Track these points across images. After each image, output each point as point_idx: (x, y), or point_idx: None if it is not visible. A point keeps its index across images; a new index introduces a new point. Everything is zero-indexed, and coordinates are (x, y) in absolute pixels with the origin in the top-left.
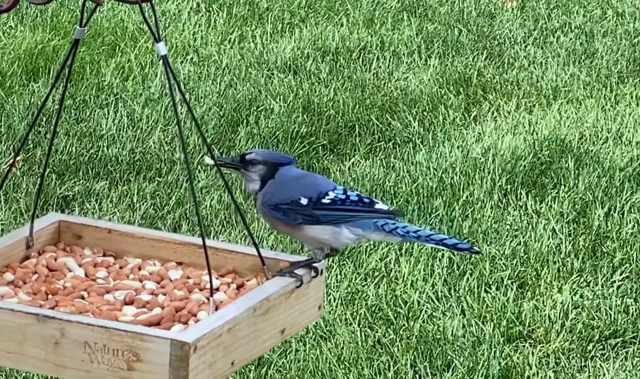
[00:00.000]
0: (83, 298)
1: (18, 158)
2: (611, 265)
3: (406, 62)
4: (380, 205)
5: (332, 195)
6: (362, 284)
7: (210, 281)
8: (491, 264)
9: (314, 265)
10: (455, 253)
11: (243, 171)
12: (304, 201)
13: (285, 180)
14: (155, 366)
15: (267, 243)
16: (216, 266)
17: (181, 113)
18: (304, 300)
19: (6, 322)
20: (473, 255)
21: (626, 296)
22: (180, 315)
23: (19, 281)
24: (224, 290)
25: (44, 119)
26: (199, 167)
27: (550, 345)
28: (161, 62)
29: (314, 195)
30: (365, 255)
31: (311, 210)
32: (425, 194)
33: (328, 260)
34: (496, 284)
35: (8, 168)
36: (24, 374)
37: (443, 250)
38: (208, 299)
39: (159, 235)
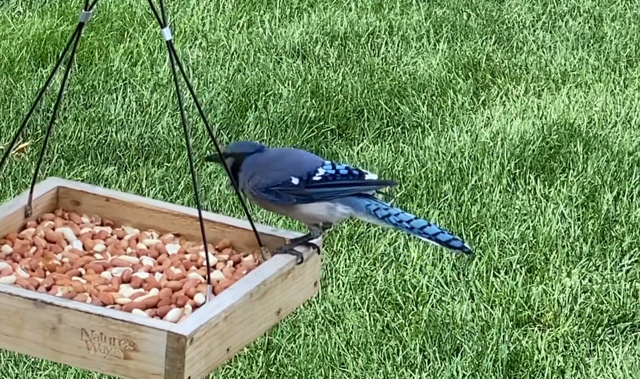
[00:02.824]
0: (80, 275)
1: (27, 144)
2: (620, 249)
3: (415, 47)
4: (370, 176)
5: (322, 171)
6: (371, 269)
7: (208, 270)
8: (500, 248)
9: (312, 241)
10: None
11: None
12: (295, 181)
13: (265, 160)
14: (151, 357)
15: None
16: (213, 239)
17: (189, 98)
18: (300, 279)
19: (4, 305)
20: (465, 254)
21: (635, 280)
22: (177, 297)
23: (16, 255)
24: (220, 268)
25: (53, 104)
26: (208, 152)
27: (559, 329)
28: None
29: (304, 173)
30: (374, 239)
31: (303, 189)
32: (434, 179)
33: (336, 244)
34: (505, 268)
35: (7, 149)
36: (32, 359)
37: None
38: (205, 277)
39: (157, 205)
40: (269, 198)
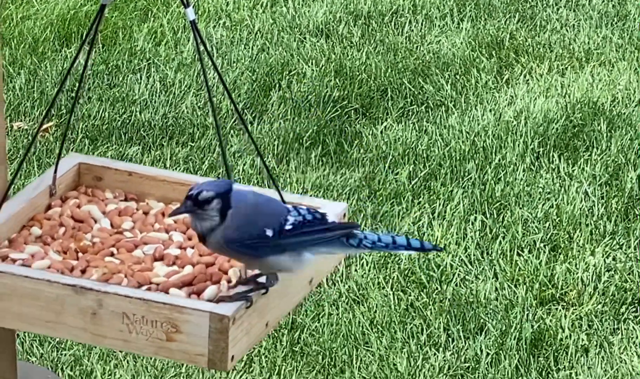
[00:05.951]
0: (113, 255)
1: (51, 123)
2: None
3: (438, 25)
4: (330, 217)
5: (291, 219)
6: None
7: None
8: (524, 227)
9: (262, 284)
10: (486, 217)
11: (200, 212)
12: (269, 232)
13: (244, 210)
14: (195, 338)
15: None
16: None
17: (213, 78)
18: None
19: (44, 292)
20: (437, 253)
21: None
22: (212, 273)
23: (47, 237)
24: None
25: (77, 84)
26: (232, 131)
27: (582, 308)
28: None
29: (276, 224)
30: (398, 218)
31: (277, 240)
32: (458, 157)
33: (360, 223)
34: (529, 247)
35: (35, 132)
36: (69, 342)
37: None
38: None
39: (180, 178)
40: (246, 252)
